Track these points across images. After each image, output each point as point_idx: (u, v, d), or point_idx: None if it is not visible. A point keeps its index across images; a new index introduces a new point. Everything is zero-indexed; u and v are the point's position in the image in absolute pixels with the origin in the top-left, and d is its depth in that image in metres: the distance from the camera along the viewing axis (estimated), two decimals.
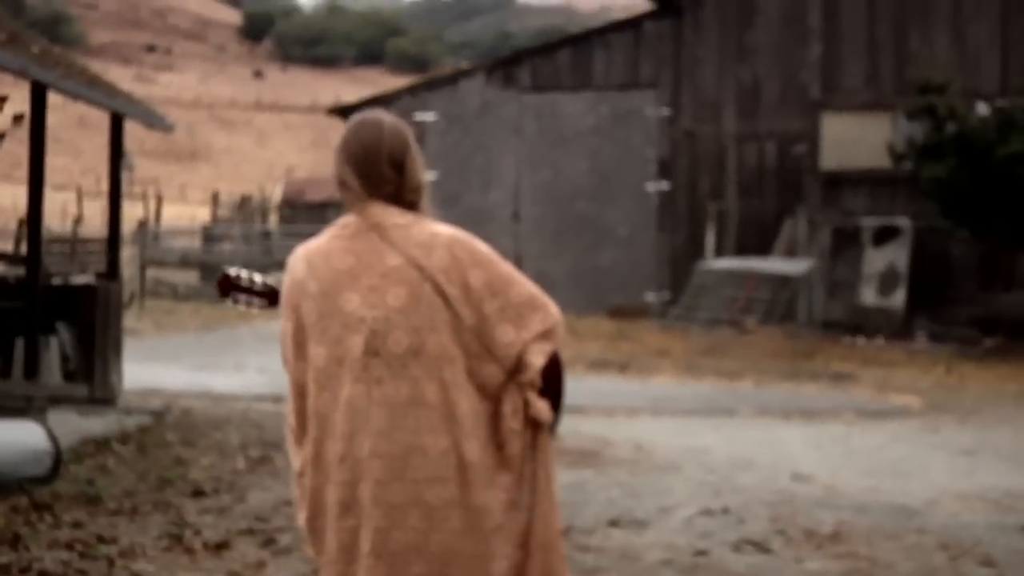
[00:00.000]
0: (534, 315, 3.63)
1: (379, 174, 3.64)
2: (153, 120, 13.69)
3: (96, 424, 12.02)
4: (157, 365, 18.07)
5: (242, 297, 4.23)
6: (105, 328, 13.10)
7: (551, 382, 3.66)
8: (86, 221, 40.99)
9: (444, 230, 3.64)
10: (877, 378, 19.83)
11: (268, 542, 7.95)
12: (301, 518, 3.69)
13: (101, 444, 11.20)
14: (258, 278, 4.23)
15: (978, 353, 23.54)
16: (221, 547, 7.76)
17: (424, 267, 3.57)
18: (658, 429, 14.04)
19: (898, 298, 26.55)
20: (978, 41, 28.77)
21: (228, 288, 4.24)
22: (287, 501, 9.13)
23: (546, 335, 3.63)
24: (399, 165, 3.66)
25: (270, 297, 4.18)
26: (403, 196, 3.67)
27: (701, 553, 8.04)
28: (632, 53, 30.98)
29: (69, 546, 7.65)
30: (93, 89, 12.02)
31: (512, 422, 3.61)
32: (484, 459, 3.58)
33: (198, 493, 9.39)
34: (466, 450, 3.55)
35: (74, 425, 11.71)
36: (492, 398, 3.61)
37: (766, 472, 11.27)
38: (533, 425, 3.64)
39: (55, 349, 12.76)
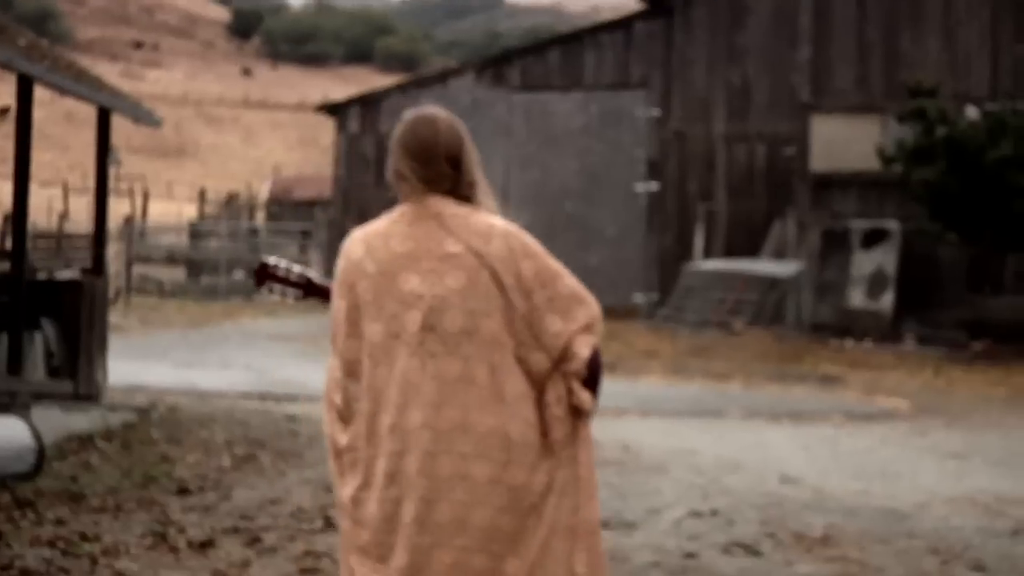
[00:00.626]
0: (579, 308, 3.77)
1: (437, 170, 3.77)
2: (140, 115, 13.58)
3: (80, 421, 11.92)
4: (142, 362, 17.98)
5: (277, 287, 4.29)
6: (90, 324, 12.99)
7: (592, 373, 3.77)
8: (72, 217, 40.90)
9: (499, 222, 3.78)
10: (865, 381, 19.80)
11: (253, 541, 7.87)
12: (345, 494, 3.76)
13: (85, 441, 11.11)
14: (296, 268, 4.29)
15: (966, 357, 23.51)
16: (206, 546, 7.67)
17: (483, 255, 3.70)
18: (646, 430, 13.97)
19: (886, 301, 26.52)
20: (968, 44, 28.78)
21: (264, 277, 4.30)
22: (272, 499, 9.07)
23: (589, 328, 3.77)
24: (456, 161, 3.80)
25: (305, 288, 4.25)
26: (459, 191, 3.80)
27: (690, 556, 7.97)
28: (622, 53, 30.95)
29: (52, 544, 7.55)
30: (80, 83, 11.92)
31: (556, 409, 3.73)
32: (526, 441, 3.69)
33: (183, 491, 9.30)
34: (511, 431, 3.67)
35: (58, 421, 11.61)
36: (537, 385, 3.73)
37: (755, 474, 11.21)
38: (575, 413, 3.76)
39: (39, 345, 12.66)
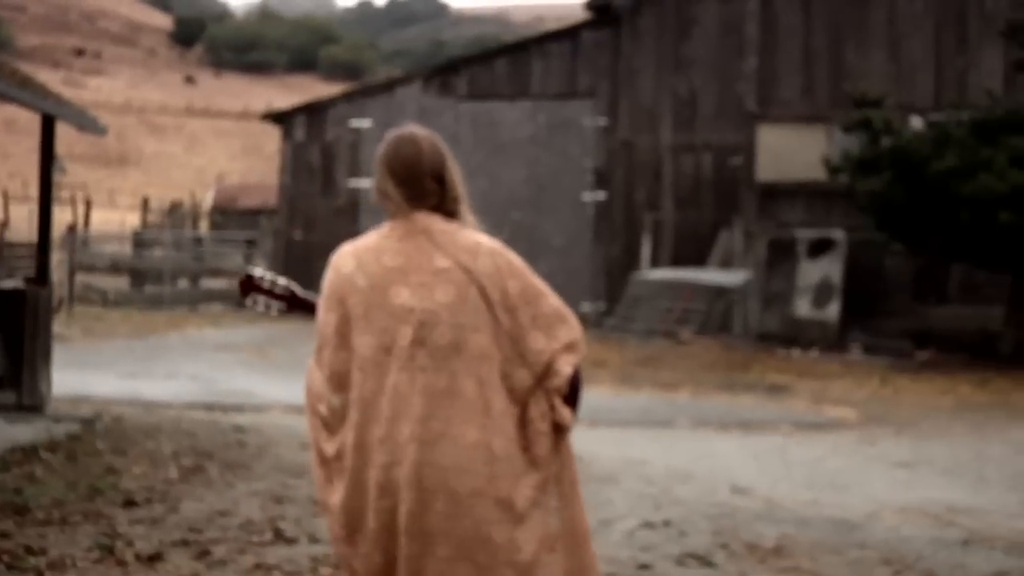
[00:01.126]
0: (562, 327, 3.88)
1: (422, 188, 3.88)
2: (85, 123, 13.41)
3: (24, 432, 11.73)
4: (86, 372, 17.75)
5: (261, 299, 4.36)
6: (34, 334, 12.80)
7: (572, 391, 3.89)
8: (12, 225, 40.44)
9: (485, 239, 3.89)
10: (813, 390, 19.84)
11: (202, 554, 7.75)
12: (333, 501, 3.83)
13: (29, 452, 10.91)
14: (280, 281, 4.36)
15: (912, 366, 23.62)
16: (154, 559, 7.54)
17: (471, 271, 3.81)
18: (595, 440, 13.90)
19: (832, 310, 26.61)
20: (912, 56, 29.02)
21: (249, 289, 4.37)
22: (221, 511, 8.95)
23: (571, 347, 3.88)
24: (440, 178, 3.91)
25: (289, 300, 4.33)
26: (445, 206, 3.91)
27: (644, 567, 7.92)
28: (569, 62, 30.98)
29: None
30: (24, 90, 11.75)
31: (540, 424, 3.81)
32: (510, 456, 3.77)
33: (129, 503, 9.15)
34: (495, 445, 3.75)
35: (1, 433, 11.43)
36: (520, 402, 3.83)
37: (705, 484, 11.17)
38: (556, 429, 3.86)
39: None
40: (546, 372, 3.84)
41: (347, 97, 33.71)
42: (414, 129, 4.01)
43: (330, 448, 3.86)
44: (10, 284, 13.44)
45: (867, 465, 12.88)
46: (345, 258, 3.88)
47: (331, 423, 3.86)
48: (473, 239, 3.87)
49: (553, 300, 3.90)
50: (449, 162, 3.95)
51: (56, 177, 13.30)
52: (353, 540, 3.82)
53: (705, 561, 8.11)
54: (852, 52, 29.36)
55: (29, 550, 7.61)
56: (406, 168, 3.89)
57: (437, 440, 3.73)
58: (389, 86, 33.20)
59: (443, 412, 3.74)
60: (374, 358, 3.78)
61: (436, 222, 3.87)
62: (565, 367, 3.85)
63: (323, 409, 3.87)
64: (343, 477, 3.82)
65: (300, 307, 4.30)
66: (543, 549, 3.80)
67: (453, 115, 31.21)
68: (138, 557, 7.55)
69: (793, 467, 12.62)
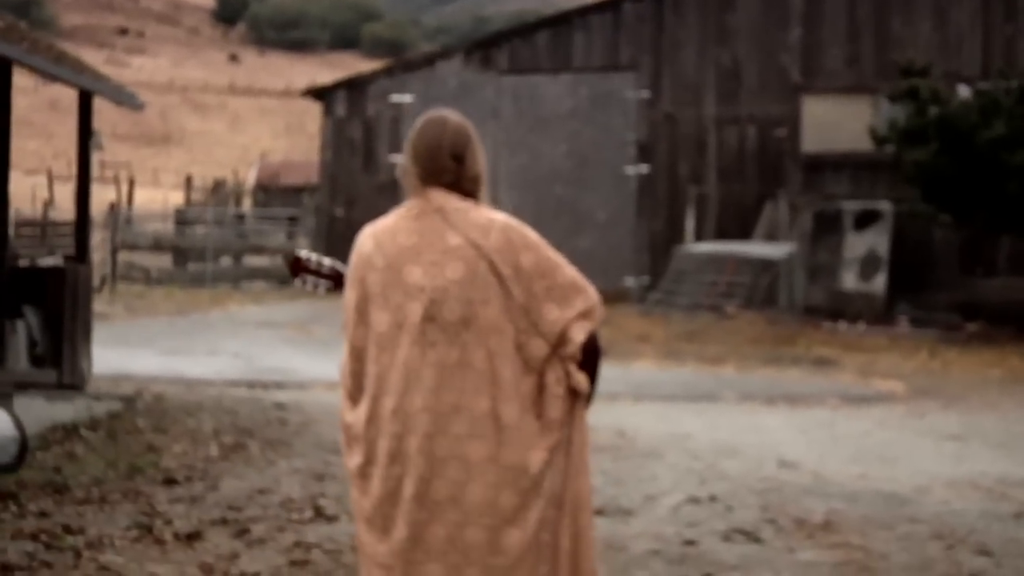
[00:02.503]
0: (576, 296, 4.03)
1: (439, 165, 4.05)
2: (122, 98, 13.33)
3: (64, 410, 11.72)
4: (128, 350, 17.76)
5: (310, 279, 4.58)
6: (74, 312, 12.76)
7: (589, 357, 4.03)
8: (57, 205, 40.65)
9: (499, 216, 4.04)
10: (860, 364, 19.62)
11: (241, 532, 7.69)
12: (351, 464, 4.06)
13: (69, 431, 10.91)
14: (326, 261, 4.57)
15: (961, 338, 23.37)
16: (192, 538, 7.50)
17: (481, 247, 3.97)
18: (640, 415, 13.81)
19: (879, 283, 26.38)
20: (960, 24, 28.64)
21: (298, 270, 4.59)
22: (261, 490, 8.91)
23: (586, 315, 4.03)
24: (459, 157, 4.06)
25: (336, 280, 4.52)
26: (462, 185, 4.07)
27: (690, 543, 7.81)
28: (612, 35, 30.73)
29: (34, 537, 7.38)
30: (60, 65, 11.67)
31: (556, 389, 3.99)
32: (521, 423, 3.95)
33: (169, 481, 9.12)
34: (504, 413, 3.93)
35: (41, 411, 11.42)
36: (536, 370, 4.00)
37: (752, 459, 11.04)
38: (572, 394, 4.02)
39: (22, 333, 12.44)
40: (560, 340, 4.00)
41: (388, 72, 33.54)
42: (445, 112, 4.18)
43: (349, 417, 4.09)
44: (50, 262, 13.41)
45: (916, 438, 12.71)
46: (366, 239, 4.09)
47: (352, 393, 4.11)
48: (486, 216, 4.03)
49: (568, 271, 4.05)
50: (472, 144, 4.11)
51: (94, 154, 13.22)
52: (361, 501, 4.06)
53: (752, 537, 8.00)
54: (898, 21, 28.99)
55: (67, 529, 7.58)
56: (425, 144, 4.08)
57: (450, 411, 3.93)
58: (430, 61, 33.00)
59: (455, 384, 3.94)
60: (388, 334, 4.00)
61: (450, 200, 4.04)
62: (578, 334, 4.00)
63: (348, 382, 4.13)
64: (358, 445, 4.05)
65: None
66: (549, 507, 3.98)
67: (494, 89, 31.01)
68: (176, 536, 7.51)
69: (841, 441, 12.47)
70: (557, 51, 30.99)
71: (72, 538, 7.39)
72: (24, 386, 11.93)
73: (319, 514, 8.25)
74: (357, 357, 4.09)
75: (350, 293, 4.11)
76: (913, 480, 10.17)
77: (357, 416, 4.07)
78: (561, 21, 31.64)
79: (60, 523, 7.72)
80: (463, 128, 4.12)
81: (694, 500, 9.05)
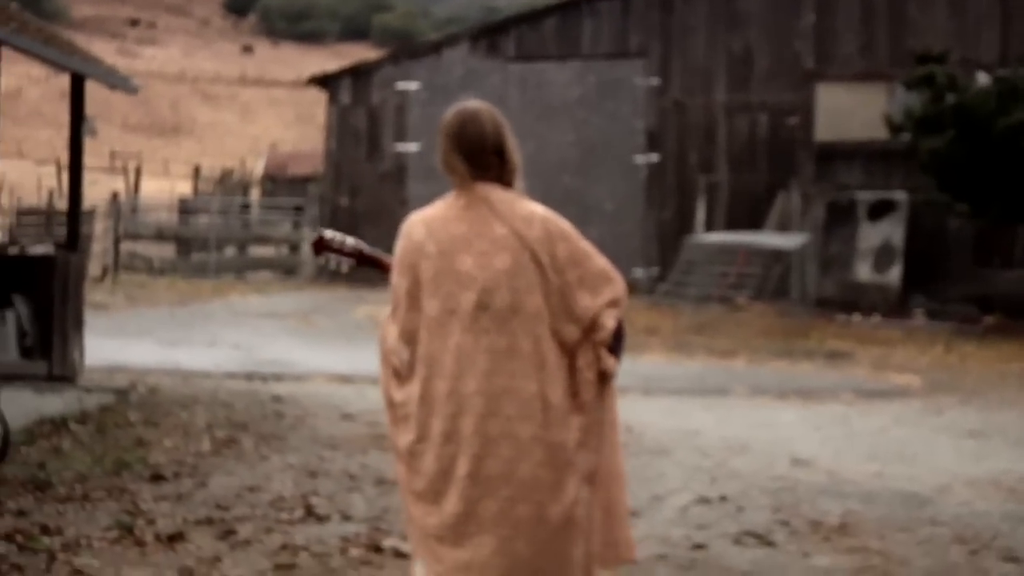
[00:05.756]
0: (606, 285, 4.27)
1: (486, 162, 4.27)
2: (116, 81, 12.93)
3: (54, 403, 11.37)
4: (126, 340, 17.43)
5: (333, 257, 4.77)
6: (64, 301, 12.38)
7: (616, 342, 4.28)
8: (64, 193, 40.30)
9: (538, 208, 4.28)
10: (875, 357, 19.26)
11: (227, 533, 7.34)
12: (401, 443, 4.28)
13: (58, 424, 10.59)
14: (349, 240, 4.77)
15: (978, 331, 23.02)
16: (174, 539, 7.15)
17: (525, 237, 4.20)
18: (648, 410, 13.42)
19: (894, 274, 26.10)
20: (978, 9, 28.28)
21: (321, 248, 4.78)
22: (251, 487, 8.59)
23: (615, 303, 4.26)
24: (500, 151, 4.28)
25: (357, 257, 4.75)
26: (504, 177, 4.29)
27: (699, 547, 7.44)
28: (620, 21, 30.38)
29: (8, 537, 7.05)
30: (49, 47, 11.28)
31: (587, 373, 4.22)
32: (562, 403, 4.20)
33: (157, 477, 8.79)
34: (550, 394, 4.18)
35: (29, 404, 11.08)
36: (569, 354, 4.23)
37: (764, 456, 10.66)
38: (601, 377, 4.25)
39: (11, 324, 12.08)
40: (592, 326, 4.22)
41: (393, 59, 33.18)
42: (476, 104, 4.37)
43: (399, 395, 4.30)
44: (40, 250, 13.04)
45: (934, 435, 12.33)
46: (416, 226, 4.29)
47: (401, 372, 4.30)
48: (529, 208, 4.26)
49: (599, 261, 4.27)
50: (508, 135, 4.32)
51: (87, 139, 12.85)
52: (412, 478, 4.26)
53: (764, 540, 7.66)
54: (913, 6, 28.61)
55: (45, 529, 7.27)
56: (472, 144, 4.26)
57: (501, 393, 4.16)
58: (436, 48, 32.62)
59: (506, 368, 4.17)
60: (439, 319, 4.21)
61: (495, 191, 4.26)
62: (609, 321, 4.23)
63: (395, 360, 4.31)
64: (409, 422, 4.26)
65: (367, 263, 4.73)
66: (583, 483, 4.21)
67: (501, 76, 30.65)
68: (158, 537, 7.18)
69: (856, 437, 12.09)
70: (565, 38, 30.63)
71: (48, 539, 7.06)
72: (12, 378, 11.59)
73: (310, 513, 7.92)
74: (408, 339, 4.28)
75: (400, 279, 4.29)
76: (932, 479, 9.80)
77: (409, 394, 4.27)
78: (569, 7, 31.28)
79: (38, 522, 7.39)
80: (499, 122, 4.32)
81: (703, 500, 8.70)
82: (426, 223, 4.30)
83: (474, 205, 4.26)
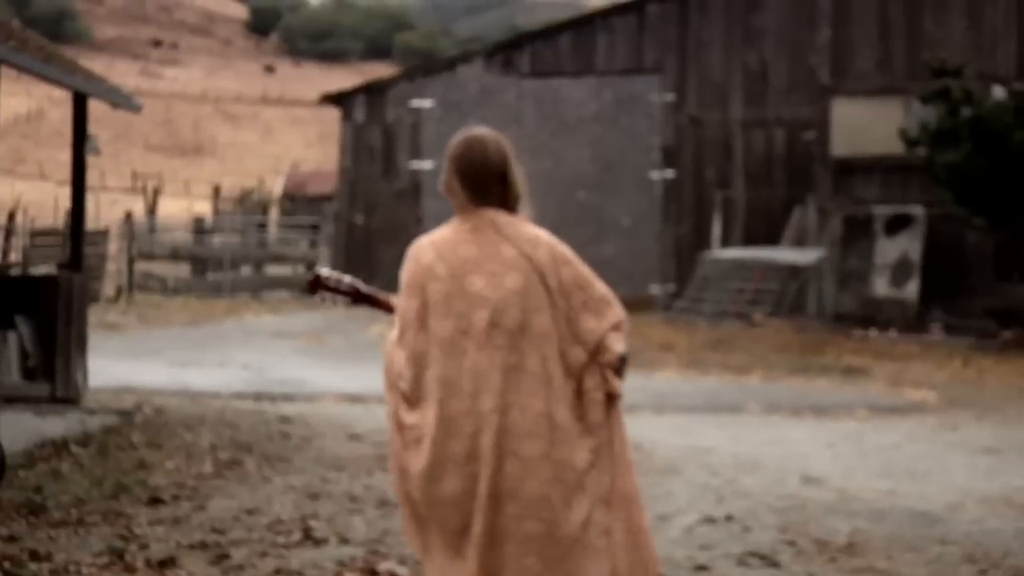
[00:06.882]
0: (609, 309, 4.39)
1: (487, 189, 4.37)
2: (118, 99, 12.87)
3: (56, 425, 11.27)
4: (136, 361, 17.37)
5: (328, 295, 4.81)
6: (68, 322, 12.28)
7: (620, 365, 4.38)
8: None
9: (541, 232, 4.41)
10: (891, 372, 19.09)
11: (220, 558, 7.21)
12: (414, 466, 4.28)
13: (59, 447, 10.46)
14: (346, 279, 4.79)
15: (996, 346, 22.83)
16: (165, 564, 7.02)
17: (533, 259, 4.32)
18: (660, 427, 13.29)
19: (911, 289, 25.92)
20: (994, 23, 28.12)
21: (317, 287, 4.81)
22: (250, 509, 8.46)
23: (618, 326, 4.39)
24: (504, 177, 4.39)
25: (353, 295, 4.76)
26: (507, 204, 4.41)
27: (701, 568, 7.31)
28: (635, 37, 30.27)
29: None
30: (49, 65, 11.20)
31: (595, 394, 4.29)
32: (568, 423, 4.26)
33: (155, 501, 8.65)
34: (556, 413, 4.25)
35: (31, 426, 10.99)
36: (575, 376, 4.31)
37: (774, 474, 10.51)
38: (608, 399, 4.34)
39: (13, 345, 11.98)
40: (598, 349, 4.32)
41: (408, 76, 33.10)
42: (482, 131, 4.48)
43: (410, 419, 4.32)
44: (42, 270, 12.94)
45: (948, 452, 12.17)
46: (425, 250, 4.36)
47: (409, 396, 4.33)
48: (533, 232, 4.38)
49: (600, 286, 4.41)
50: (512, 163, 4.41)
51: (90, 156, 12.77)
52: (431, 503, 4.27)
53: (769, 561, 7.52)
54: (930, 20, 28.46)
55: (34, 555, 7.14)
56: (474, 169, 4.37)
57: (509, 409, 4.22)
58: (450, 64, 32.53)
59: (514, 385, 4.24)
60: (452, 339, 4.26)
61: (500, 215, 4.36)
62: (616, 344, 4.34)
63: (403, 385, 4.33)
64: (423, 445, 4.28)
65: (363, 301, 4.74)
66: (598, 507, 4.27)
67: (516, 93, 30.56)
68: (148, 563, 7.05)
69: (869, 454, 11.94)
70: (580, 53, 30.54)
71: (36, 565, 6.94)
72: (14, 400, 11.48)
73: (307, 536, 7.78)
74: (417, 362, 4.31)
75: (410, 302, 4.35)
76: (944, 496, 9.65)
77: (423, 418, 4.29)
78: (584, 23, 31.23)
79: (28, 548, 7.26)
80: (503, 149, 4.42)
81: (709, 520, 8.55)
82: (435, 246, 4.37)
83: (481, 228, 4.36)
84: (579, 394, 4.32)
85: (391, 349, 4.42)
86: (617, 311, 4.42)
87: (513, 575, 4.23)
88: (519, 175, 4.44)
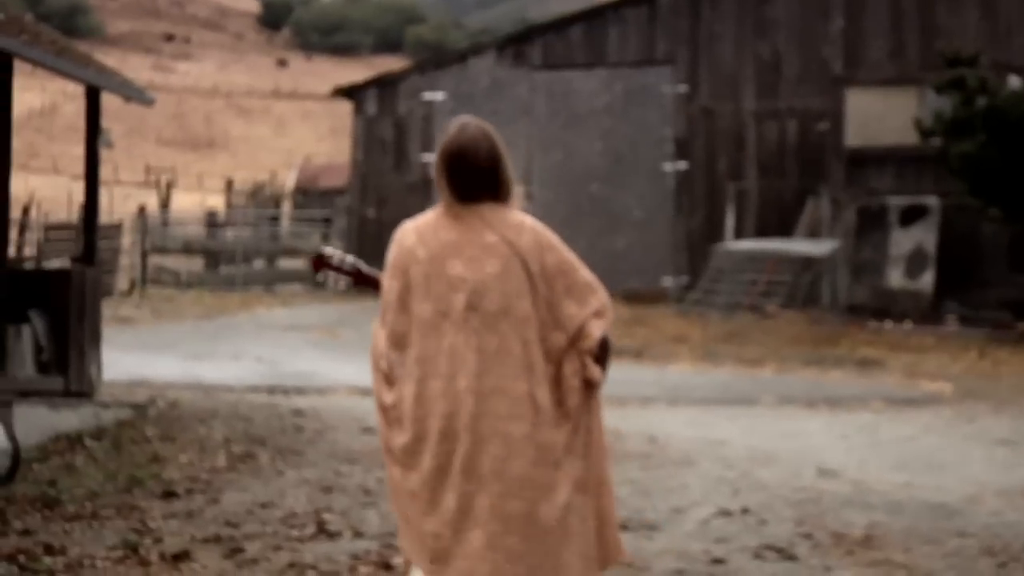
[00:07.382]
0: (592, 296, 4.43)
1: (477, 179, 4.41)
2: (130, 92, 12.85)
3: (69, 419, 11.27)
4: (149, 355, 17.36)
5: (331, 275, 4.82)
6: (81, 316, 12.27)
7: (602, 352, 4.40)
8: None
9: (527, 219, 4.44)
10: (906, 364, 19.00)
11: (234, 551, 7.19)
12: (396, 443, 4.37)
13: (73, 441, 10.48)
14: (349, 259, 4.83)
15: (1012, 337, 22.72)
16: (179, 558, 7.00)
17: (515, 244, 4.36)
18: (674, 420, 13.27)
19: (926, 280, 25.82)
20: (1009, 12, 27.99)
21: (320, 265, 4.85)
22: (264, 503, 8.44)
23: (600, 313, 4.42)
24: (494, 169, 4.43)
25: (355, 276, 4.78)
26: (499, 197, 4.45)
27: (718, 561, 7.26)
28: (647, 28, 30.19)
29: (11, 557, 6.91)
30: (62, 59, 11.18)
31: (573, 380, 4.36)
32: (550, 406, 4.33)
33: (168, 494, 8.65)
34: (538, 396, 4.32)
35: (44, 420, 10.99)
36: (555, 361, 4.37)
37: (789, 467, 10.46)
38: (587, 385, 4.39)
39: (27, 339, 11.97)
40: (578, 335, 4.37)
41: (419, 69, 33.06)
42: (473, 124, 4.47)
43: (389, 398, 4.41)
44: (56, 264, 12.93)
45: (965, 444, 12.11)
46: (408, 233, 4.44)
47: (390, 376, 4.42)
48: (518, 218, 4.42)
49: (584, 272, 4.46)
50: (502, 155, 4.44)
51: (103, 151, 12.76)
52: (408, 477, 4.35)
53: (786, 554, 7.47)
54: (943, 10, 28.34)
55: (48, 549, 7.13)
56: (464, 162, 4.39)
57: (491, 393, 4.28)
58: (462, 57, 32.49)
59: (496, 369, 4.29)
60: (431, 321, 4.33)
61: (486, 202, 4.41)
62: (595, 331, 4.38)
63: (383, 364, 4.43)
64: (403, 423, 4.36)
65: (364, 283, 4.74)
66: (576, 491, 4.34)
67: (527, 85, 30.50)
68: (163, 556, 7.04)
69: (884, 446, 11.88)
70: (591, 45, 30.47)
71: (51, 559, 6.92)
72: (28, 394, 11.47)
73: (321, 530, 7.77)
74: (397, 343, 4.40)
75: (392, 283, 4.42)
76: (962, 489, 9.59)
77: (401, 396, 4.38)
78: (595, 15, 31.12)
79: (43, 542, 7.25)
80: (494, 142, 4.44)
81: (725, 513, 8.50)
82: (417, 230, 4.44)
83: (464, 215, 4.40)
84: (558, 379, 4.37)
85: (375, 329, 4.51)
86: (601, 298, 4.45)
87: (495, 553, 4.28)
88: (509, 166, 4.48)
